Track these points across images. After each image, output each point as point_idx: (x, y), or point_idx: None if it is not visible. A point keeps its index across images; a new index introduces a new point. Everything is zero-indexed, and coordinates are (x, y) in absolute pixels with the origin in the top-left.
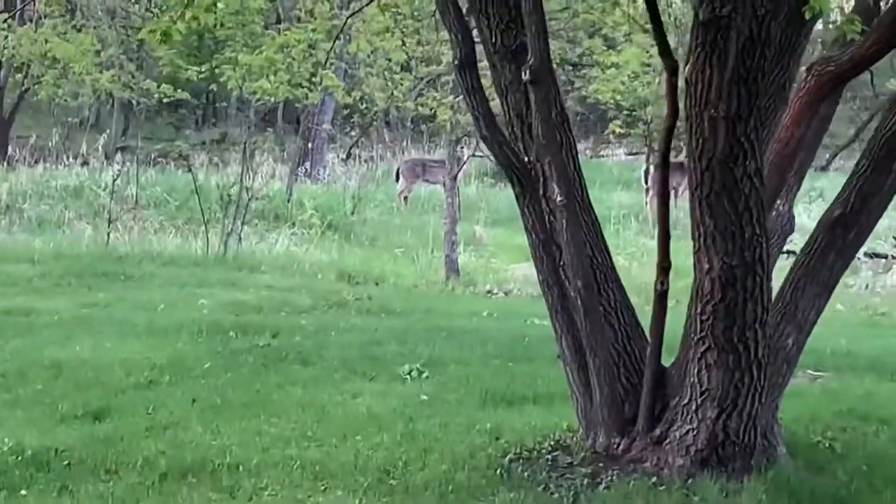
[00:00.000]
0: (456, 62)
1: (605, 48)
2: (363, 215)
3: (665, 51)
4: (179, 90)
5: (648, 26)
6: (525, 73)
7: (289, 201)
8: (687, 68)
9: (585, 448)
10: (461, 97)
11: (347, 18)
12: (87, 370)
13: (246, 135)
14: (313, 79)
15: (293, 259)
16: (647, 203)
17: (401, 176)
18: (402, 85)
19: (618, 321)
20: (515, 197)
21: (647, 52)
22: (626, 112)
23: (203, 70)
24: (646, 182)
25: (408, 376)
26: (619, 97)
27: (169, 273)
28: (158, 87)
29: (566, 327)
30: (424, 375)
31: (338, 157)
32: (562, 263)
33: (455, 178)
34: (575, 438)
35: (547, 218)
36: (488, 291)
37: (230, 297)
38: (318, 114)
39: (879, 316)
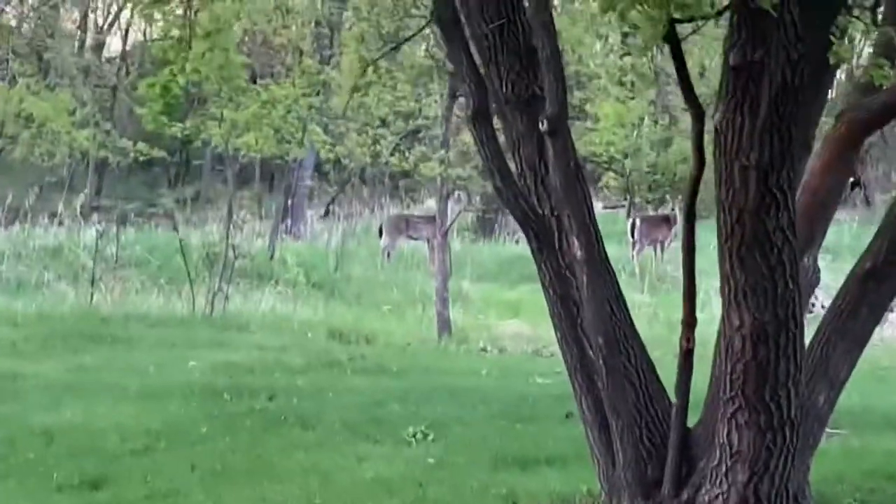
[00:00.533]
0: (469, 112)
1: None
2: (347, 272)
3: (691, 98)
4: (156, 148)
5: (626, 78)
6: (542, 124)
7: (272, 259)
8: (716, 116)
9: None
10: (450, 151)
11: (356, 82)
12: (80, 436)
13: (229, 192)
14: (296, 134)
15: (281, 318)
16: (633, 256)
17: (384, 232)
18: (385, 139)
19: (639, 380)
20: (532, 252)
21: (624, 103)
22: (605, 165)
23: (187, 127)
24: (632, 235)
25: (413, 439)
26: (612, 149)
27: (156, 334)
28: (134, 145)
29: (586, 387)
30: (430, 438)
31: (315, 213)
32: (580, 321)
33: (445, 234)
34: (597, 503)
35: (564, 273)
36: (482, 349)
37: (221, 358)
38: (299, 169)
39: (883, 370)
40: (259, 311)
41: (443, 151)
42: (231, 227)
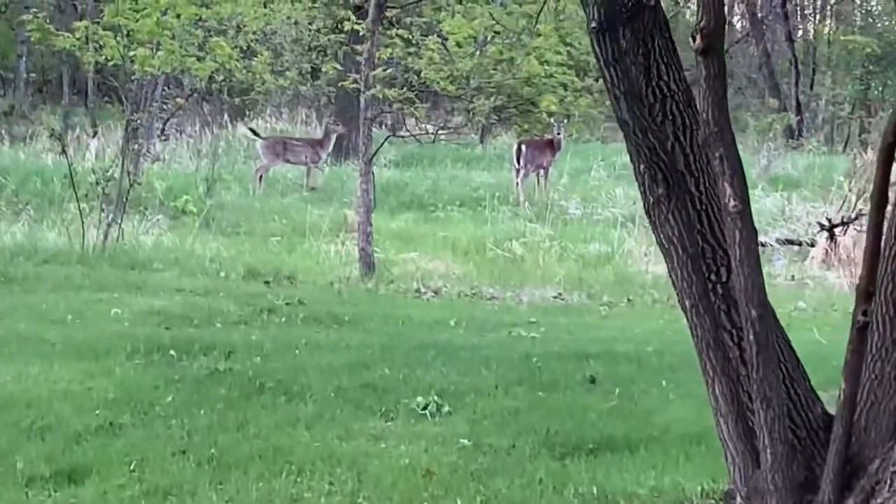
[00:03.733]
0: (594, 24)
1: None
2: (219, 199)
3: None
4: None
5: None
6: (695, 39)
7: (138, 184)
8: None
9: None
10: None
11: None
12: (25, 409)
13: (128, 109)
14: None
15: (182, 254)
16: (517, 184)
17: (261, 155)
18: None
19: (777, 358)
20: (654, 201)
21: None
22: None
23: (78, 38)
24: (517, 161)
25: (426, 412)
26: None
27: (53, 273)
28: None
29: (720, 367)
30: (446, 410)
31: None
32: (715, 286)
33: (370, 161)
34: None
35: (697, 228)
36: (417, 290)
37: (144, 304)
38: (156, 86)
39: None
40: (148, 244)
41: (381, 70)
42: (127, 150)
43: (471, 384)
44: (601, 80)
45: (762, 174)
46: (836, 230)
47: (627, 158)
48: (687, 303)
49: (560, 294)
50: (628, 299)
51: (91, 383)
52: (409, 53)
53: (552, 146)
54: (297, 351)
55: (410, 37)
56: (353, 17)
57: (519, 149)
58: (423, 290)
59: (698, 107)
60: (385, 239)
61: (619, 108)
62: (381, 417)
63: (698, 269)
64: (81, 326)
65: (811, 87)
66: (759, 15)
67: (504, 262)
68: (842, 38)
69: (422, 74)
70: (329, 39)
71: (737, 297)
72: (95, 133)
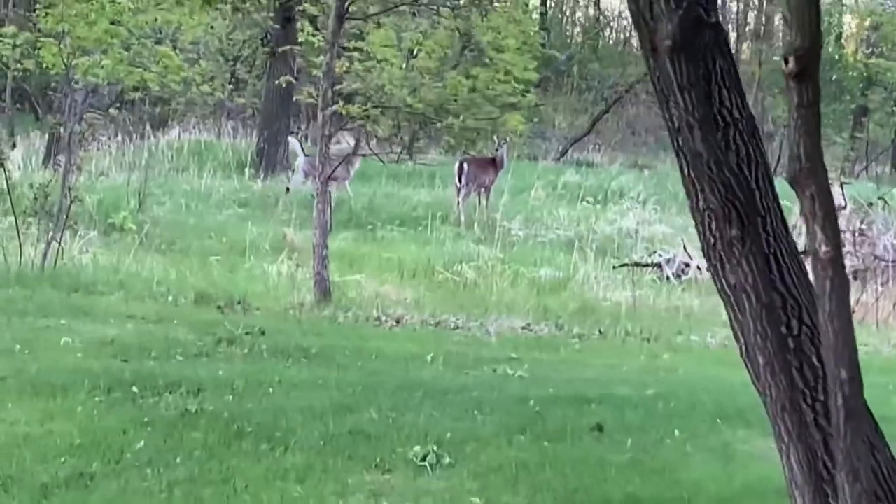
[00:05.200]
0: (668, 43)
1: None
2: (152, 215)
3: None
4: None
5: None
6: (787, 62)
7: (79, 200)
8: None
9: None
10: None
11: None
12: None
13: (72, 120)
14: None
15: (127, 274)
16: (459, 203)
17: (302, 171)
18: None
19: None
20: (729, 241)
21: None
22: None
23: (18, 44)
24: (459, 180)
25: (425, 463)
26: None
27: None
28: None
29: (797, 433)
30: (447, 462)
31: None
32: (788, 341)
33: (327, 181)
34: None
35: (771, 275)
36: (377, 319)
37: (96, 333)
38: (88, 95)
39: None
40: (87, 264)
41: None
42: (70, 165)
43: (468, 431)
44: (528, 97)
45: None
46: None
47: (569, 178)
48: (760, 360)
49: (528, 325)
50: (600, 331)
51: (52, 425)
52: (371, 69)
53: (495, 164)
54: (270, 389)
55: (369, 50)
56: (308, 28)
57: (461, 167)
58: (383, 318)
59: (788, 138)
60: (330, 260)
61: (692, 138)
62: (377, 469)
63: (774, 321)
64: (32, 358)
65: None
66: None
67: (455, 287)
68: (774, 58)
69: (385, 89)
70: (255, 51)
71: (809, 351)
72: (14, 144)
